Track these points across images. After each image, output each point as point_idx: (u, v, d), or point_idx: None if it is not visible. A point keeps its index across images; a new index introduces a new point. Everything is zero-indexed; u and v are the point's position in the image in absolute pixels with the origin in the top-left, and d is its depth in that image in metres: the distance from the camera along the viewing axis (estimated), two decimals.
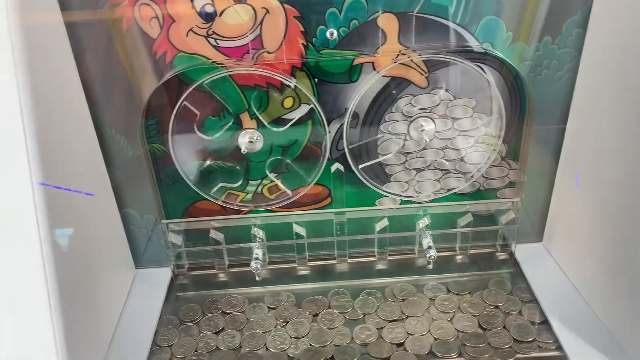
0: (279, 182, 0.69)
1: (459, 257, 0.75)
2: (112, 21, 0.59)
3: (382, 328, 0.64)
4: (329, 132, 0.66)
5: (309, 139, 0.67)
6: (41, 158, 0.49)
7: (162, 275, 0.73)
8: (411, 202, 0.72)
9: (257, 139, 0.67)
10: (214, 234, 0.72)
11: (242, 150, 0.66)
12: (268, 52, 0.61)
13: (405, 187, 0.71)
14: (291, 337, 0.64)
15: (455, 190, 0.71)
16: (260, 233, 0.72)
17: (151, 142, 0.66)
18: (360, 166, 0.67)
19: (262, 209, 0.72)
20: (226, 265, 0.74)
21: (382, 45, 0.62)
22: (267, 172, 0.69)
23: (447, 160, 0.69)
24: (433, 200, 0.72)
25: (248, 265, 0.71)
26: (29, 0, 0.50)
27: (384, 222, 0.71)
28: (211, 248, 0.73)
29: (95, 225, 0.63)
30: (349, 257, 0.74)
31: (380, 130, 0.67)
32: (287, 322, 0.66)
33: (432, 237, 0.71)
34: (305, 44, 0.61)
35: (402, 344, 0.62)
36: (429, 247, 0.70)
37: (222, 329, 0.66)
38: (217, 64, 0.62)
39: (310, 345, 0.63)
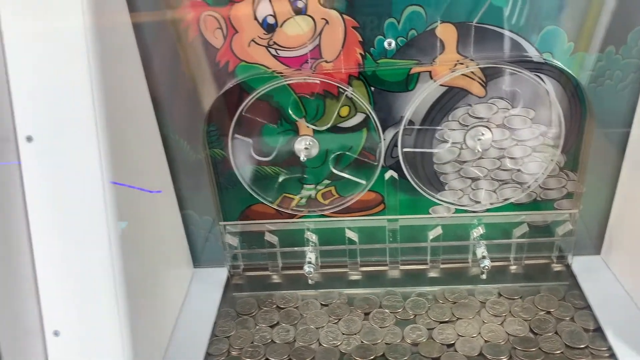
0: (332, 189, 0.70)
1: (513, 268, 0.74)
2: (178, 31, 0.62)
3: (432, 329, 0.65)
4: (384, 139, 0.67)
5: (363, 146, 0.68)
6: (112, 158, 0.52)
7: (219, 275, 0.76)
8: (465, 211, 0.72)
9: (312, 145, 0.68)
10: (268, 237, 0.74)
11: (302, 158, 0.67)
12: (326, 62, 0.63)
13: (460, 195, 0.71)
14: (343, 334, 0.65)
15: (511, 200, 0.71)
16: (313, 237, 0.74)
17: (212, 147, 0.69)
18: (405, 150, 0.66)
19: (316, 214, 0.73)
20: (280, 268, 0.76)
21: (439, 54, 0.62)
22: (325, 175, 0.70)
23: (503, 169, 0.69)
24: (488, 210, 0.71)
25: (301, 268, 0.72)
26: (102, 4, 0.53)
27: (438, 231, 0.71)
28: (266, 250, 0.75)
29: (159, 225, 0.66)
30: (401, 264, 0.74)
31: (435, 139, 0.67)
32: (339, 320, 0.67)
33: (486, 246, 0.71)
34: (362, 53, 0.62)
35: (453, 344, 0.63)
36: (483, 257, 0.69)
37: (277, 323, 0.68)
38: (277, 73, 0.64)
39: (362, 342, 0.64)
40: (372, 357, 0.62)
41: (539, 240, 0.72)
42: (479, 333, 0.64)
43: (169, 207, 0.70)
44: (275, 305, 0.70)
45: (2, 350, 0.45)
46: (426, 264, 0.74)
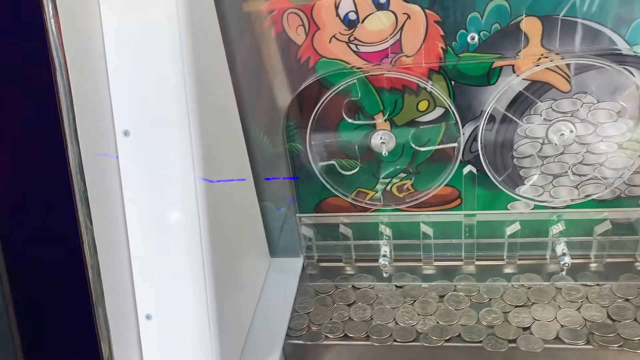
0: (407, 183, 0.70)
1: (593, 265, 0.72)
2: (261, 27, 0.63)
3: (507, 312, 0.65)
4: (463, 134, 0.67)
5: (441, 141, 0.68)
6: (202, 151, 0.54)
7: (294, 265, 0.78)
8: (545, 207, 0.70)
9: (389, 139, 0.69)
10: (343, 229, 0.75)
11: (384, 153, 0.68)
12: (406, 56, 0.63)
13: (540, 191, 0.69)
14: (419, 314, 0.67)
15: (593, 197, 0.69)
16: (387, 231, 0.74)
17: (290, 142, 0.71)
18: (501, 178, 0.66)
19: (390, 208, 0.74)
20: (353, 260, 0.77)
21: (523, 48, 0.61)
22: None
23: (586, 164, 0.67)
24: (568, 207, 0.70)
25: (374, 261, 0.73)
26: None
27: (516, 226, 0.70)
28: (340, 242, 0.76)
29: (241, 216, 0.68)
30: (476, 260, 0.74)
31: (517, 134, 0.66)
32: (415, 301, 0.69)
33: (566, 243, 0.69)
34: (444, 47, 0.62)
35: (528, 328, 0.63)
36: (563, 254, 0.68)
37: (354, 302, 0.71)
38: (356, 68, 0.64)
39: (438, 322, 0.65)
40: (448, 337, 0.63)
41: (622, 238, 0.70)
42: (555, 317, 0.64)
43: (250, 199, 0.72)
44: (351, 286, 0.73)
45: (108, 334, 0.48)
46: (502, 260, 0.73)
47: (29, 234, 0.49)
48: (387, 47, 0.63)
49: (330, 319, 0.68)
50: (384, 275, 0.73)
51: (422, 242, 0.73)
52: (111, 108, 0.54)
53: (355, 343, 0.65)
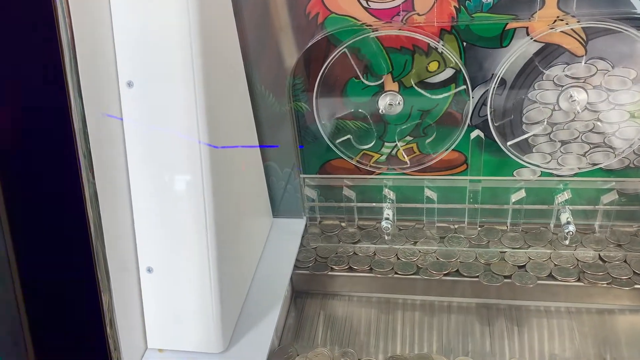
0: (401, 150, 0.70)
1: (597, 235, 0.71)
2: None
3: (504, 252, 0.70)
4: (472, 97, 0.65)
5: (450, 104, 0.67)
6: (207, 104, 0.53)
7: (296, 226, 0.78)
8: (552, 175, 0.69)
9: (397, 102, 0.68)
10: (346, 192, 0.75)
11: (380, 111, 0.67)
12: (418, 15, 0.61)
13: (548, 159, 0.68)
14: (420, 252, 0.71)
15: (601, 166, 0.68)
16: (391, 194, 0.74)
17: (296, 100, 0.70)
18: (509, 143, 0.66)
19: (395, 172, 0.73)
20: (355, 222, 0.77)
21: (539, 9, 0.59)
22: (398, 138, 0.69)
23: (596, 133, 0.66)
24: (575, 175, 0.69)
25: (376, 223, 0.74)
26: None
27: (521, 194, 0.70)
28: (343, 204, 0.76)
29: (245, 175, 0.67)
30: (479, 226, 0.74)
31: (527, 98, 0.65)
32: (416, 242, 0.73)
33: (571, 212, 0.69)
34: (457, 6, 0.60)
35: (523, 266, 0.67)
36: (568, 222, 0.67)
37: (358, 240, 0.75)
38: (367, 25, 0.63)
39: (437, 259, 0.70)
40: (446, 272, 0.67)
41: (629, 208, 0.69)
42: (550, 258, 0.68)
43: (254, 159, 0.71)
44: (356, 227, 0.77)
45: (109, 285, 0.48)
46: (506, 226, 0.73)
47: (30, 186, 0.48)
48: (399, 5, 0.61)
49: (336, 254, 0.72)
50: (386, 238, 0.73)
51: (425, 205, 0.73)
52: (115, 58, 0.53)
53: (359, 274, 0.69)
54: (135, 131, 0.55)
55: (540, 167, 0.69)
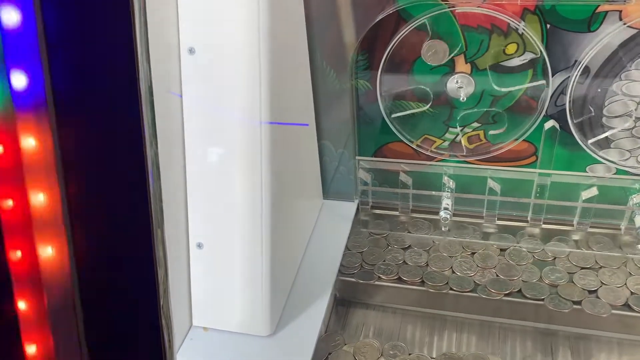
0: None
1: None
2: None
3: (573, 273, 0.62)
4: (551, 84, 0.61)
5: (525, 90, 0.62)
6: (270, 75, 0.50)
7: (347, 209, 0.75)
8: (628, 173, 0.64)
9: (467, 84, 0.63)
10: (403, 177, 0.71)
11: (461, 99, 0.63)
12: None
13: (627, 156, 0.64)
14: (478, 266, 0.64)
15: None
16: (451, 183, 0.70)
17: (358, 78, 0.66)
18: (591, 141, 0.61)
19: (457, 159, 0.69)
20: (409, 210, 0.74)
21: None
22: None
23: None
24: None
25: (431, 213, 0.70)
26: None
27: (593, 191, 0.65)
28: (399, 190, 0.72)
29: (300, 153, 0.65)
30: (544, 223, 0.69)
31: (611, 90, 0.60)
32: (474, 253, 0.66)
33: None
34: None
35: (595, 291, 0.60)
36: None
37: (409, 246, 0.68)
38: (442, 1, 0.58)
39: (498, 276, 0.62)
40: (508, 292, 0.60)
41: None
42: (625, 284, 0.60)
43: (310, 137, 0.68)
44: (407, 230, 0.70)
45: (165, 259, 0.46)
46: (572, 225, 0.68)
47: (91, 153, 0.46)
48: None
49: (384, 261, 0.66)
50: (443, 229, 0.69)
51: (487, 197, 0.69)
52: (177, 25, 0.50)
53: (409, 287, 0.63)
54: (194, 102, 0.52)
55: (617, 164, 0.64)
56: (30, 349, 0.43)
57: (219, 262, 0.56)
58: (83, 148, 0.42)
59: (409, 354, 0.59)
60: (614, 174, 0.65)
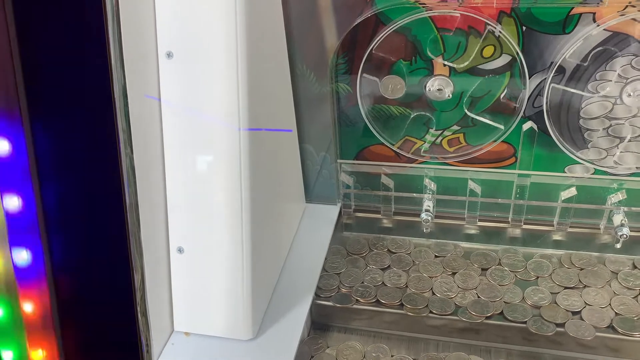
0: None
1: None
2: None
3: (556, 293, 0.61)
4: (528, 86, 0.61)
5: (503, 92, 0.63)
6: (248, 79, 0.50)
7: (329, 213, 0.75)
8: (606, 174, 0.65)
9: (446, 86, 0.64)
10: (384, 180, 0.72)
11: (442, 98, 0.63)
12: None
13: (604, 155, 0.64)
14: (459, 287, 0.63)
15: None
16: (432, 185, 0.70)
17: (338, 81, 0.66)
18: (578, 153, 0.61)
19: (438, 161, 0.69)
20: (392, 212, 0.74)
21: None
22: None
23: None
24: (632, 174, 0.65)
25: (413, 215, 0.70)
26: None
27: (572, 191, 0.66)
28: (380, 193, 0.72)
29: (280, 156, 0.64)
30: (524, 224, 0.70)
31: (587, 90, 0.61)
32: (455, 273, 0.65)
33: (626, 214, 0.64)
34: None
35: (579, 312, 0.59)
36: (622, 225, 0.63)
37: (388, 266, 0.66)
38: (419, 4, 0.59)
39: (479, 297, 0.61)
40: (489, 314, 0.59)
41: None
42: (609, 304, 0.59)
43: (291, 140, 0.68)
44: (386, 249, 0.69)
45: (142, 264, 0.46)
46: (552, 225, 0.69)
47: (66, 158, 0.46)
48: None
49: (362, 282, 0.64)
50: (425, 231, 0.70)
51: (468, 199, 0.69)
52: (155, 29, 0.50)
53: (387, 310, 0.61)
54: (172, 106, 0.52)
55: (595, 164, 0.65)
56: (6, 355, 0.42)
57: (199, 266, 0.56)
58: (58, 152, 0.42)
59: (392, 356, 0.59)
60: (592, 174, 0.66)
